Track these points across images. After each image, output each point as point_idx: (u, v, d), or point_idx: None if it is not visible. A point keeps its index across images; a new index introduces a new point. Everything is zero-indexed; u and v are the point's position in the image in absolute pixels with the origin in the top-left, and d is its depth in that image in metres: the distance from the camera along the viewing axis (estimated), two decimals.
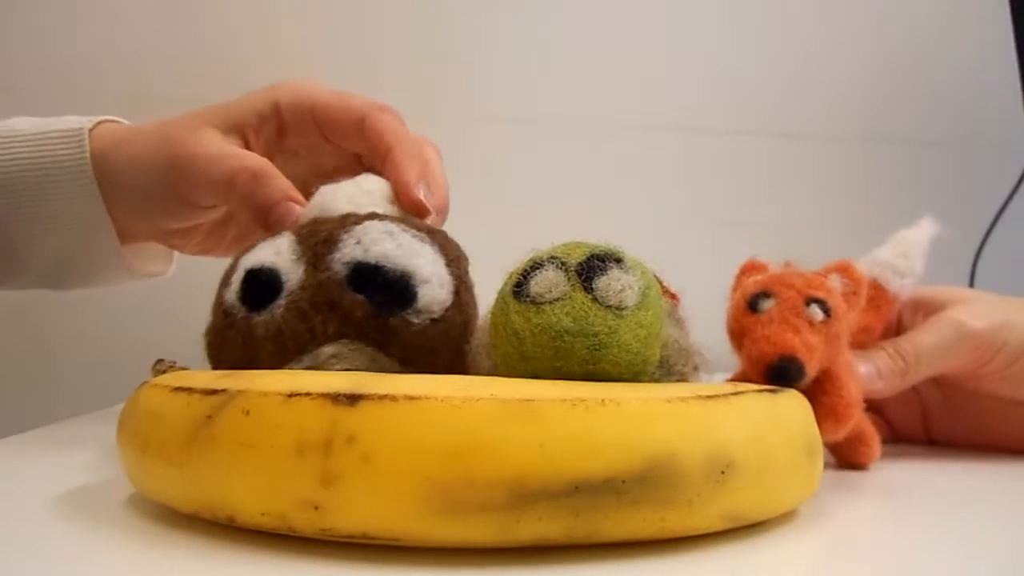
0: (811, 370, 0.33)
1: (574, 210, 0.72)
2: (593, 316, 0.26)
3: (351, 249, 0.31)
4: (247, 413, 0.24)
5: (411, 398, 0.23)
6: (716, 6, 0.76)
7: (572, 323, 0.26)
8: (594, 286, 0.26)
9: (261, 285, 0.31)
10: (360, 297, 0.31)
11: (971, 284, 0.73)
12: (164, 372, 0.30)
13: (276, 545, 0.24)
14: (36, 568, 0.23)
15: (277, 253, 0.32)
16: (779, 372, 0.32)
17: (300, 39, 0.69)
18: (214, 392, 0.25)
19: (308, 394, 0.23)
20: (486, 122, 0.71)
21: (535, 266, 0.27)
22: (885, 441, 0.38)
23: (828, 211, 0.75)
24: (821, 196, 0.76)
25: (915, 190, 0.76)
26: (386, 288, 0.31)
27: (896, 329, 0.42)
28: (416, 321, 0.31)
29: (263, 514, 0.23)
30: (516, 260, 0.29)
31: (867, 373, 0.38)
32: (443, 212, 0.41)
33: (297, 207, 0.39)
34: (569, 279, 0.27)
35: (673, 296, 0.33)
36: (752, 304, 0.34)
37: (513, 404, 0.23)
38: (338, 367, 0.30)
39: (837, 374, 0.35)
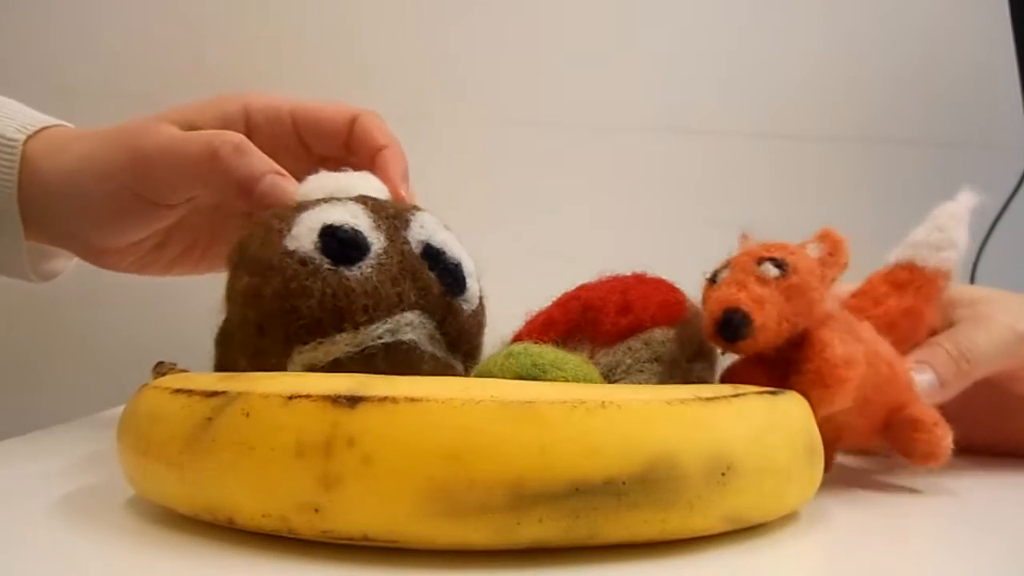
0: (760, 319, 0.31)
1: (575, 210, 0.72)
2: None
3: (418, 231, 0.33)
4: (247, 415, 0.24)
5: (411, 400, 0.23)
6: (717, 8, 0.76)
7: None
8: None
9: (346, 242, 0.31)
10: (434, 275, 0.32)
11: (971, 285, 0.73)
12: (164, 374, 0.29)
13: (276, 547, 0.24)
14: (36, 569, 0.23)
15: (353, 216, 0.32)
16: (724, 324, 0.31)
17: (297, 41, 0.69)
18: (214, 394, 0.25)
19: (308, 396, 0.23)
20: (486, 122, 0.71)
21: None
22: None
23: (828, 212, 0.74)
24: (821, 197, 0.76)
25: (915, 191, 0.75)
26: (446, 272, 0.33)
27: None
28: (465, 308, 0.33)
29: (263, 516, 0.23)
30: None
31: (928, 383, 0.36)
32: None
33: (285, 182, 0.37)
34: None
35: (680, 312, 0.33)
36: (712, 279, 0.34)
37: (513, 406, 0.23)
38: (409, 335, 0.31)
39: (817, 335, 0.32)
